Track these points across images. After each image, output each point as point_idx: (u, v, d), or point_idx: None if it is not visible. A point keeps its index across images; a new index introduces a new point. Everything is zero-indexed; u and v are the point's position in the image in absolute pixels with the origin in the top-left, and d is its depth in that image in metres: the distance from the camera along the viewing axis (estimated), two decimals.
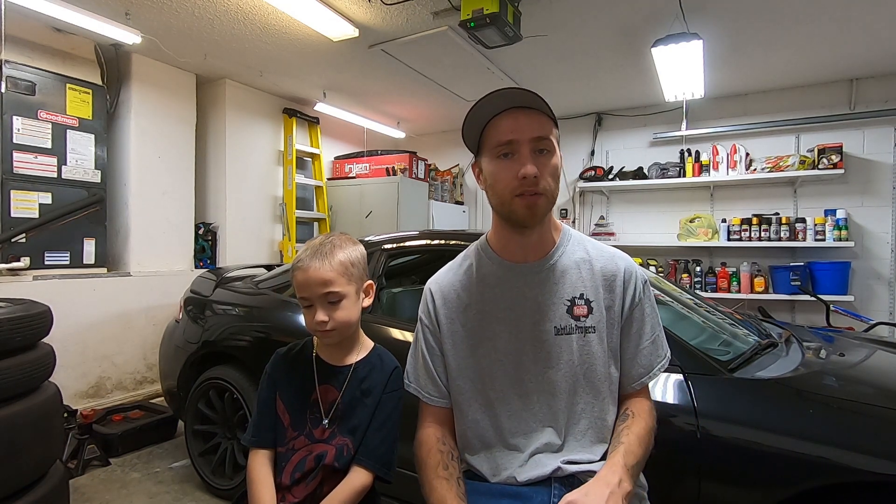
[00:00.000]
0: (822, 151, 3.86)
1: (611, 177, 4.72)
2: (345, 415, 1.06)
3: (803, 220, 3.96)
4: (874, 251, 3.92)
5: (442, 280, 1.12)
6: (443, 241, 2.15)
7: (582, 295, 1.02)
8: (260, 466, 1.05)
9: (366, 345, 1.16)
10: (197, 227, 3.95)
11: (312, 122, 4.76)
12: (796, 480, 1.23)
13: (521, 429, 1.00)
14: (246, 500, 1.05)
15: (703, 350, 1.52)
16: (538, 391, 1.00)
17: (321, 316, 1.02)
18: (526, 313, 1.02)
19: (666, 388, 1.44)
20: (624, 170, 4.68)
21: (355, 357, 1.12)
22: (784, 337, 1.89)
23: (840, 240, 3.82)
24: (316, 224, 4.87)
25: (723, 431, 1.32)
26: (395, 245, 2.22)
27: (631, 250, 4.64)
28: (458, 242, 2.10)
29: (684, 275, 4.37)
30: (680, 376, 1.44)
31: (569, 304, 1.01)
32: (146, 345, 3.47)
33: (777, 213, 4.11)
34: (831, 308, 3.45)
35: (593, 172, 4.76)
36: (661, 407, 1.41)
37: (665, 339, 1.12)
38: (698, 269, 4.32)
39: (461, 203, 5.55)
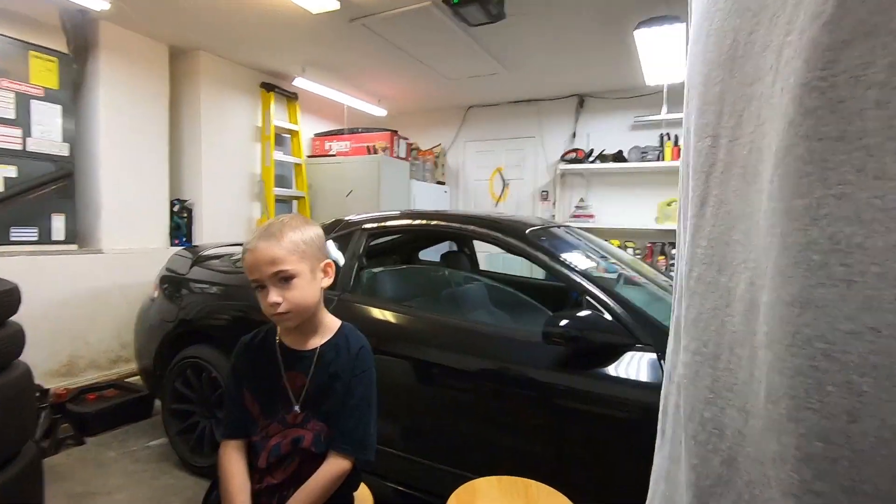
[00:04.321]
0: None
1: (591, 159, 4.75)
2: (316, 400, 1.05)
3: None
4: None
5: None
6: (424, 222, 2.14)
7: None
8: (229, 456, 1.04)
9: (331, 326, 1.12)
10: (172, 204, 3.85)
11: (291, 97, 4.65)
12: None
13: None
14: (218, 488, 1.04)
15: None
16: None
17: (274, 297, 0.98)
18: None
19: (640, 366, 1.48)
20: (604, 153, 4.71)
21: (320, 340, 1.09)
22: None
23: None
24: (295, 202, 4.80)
25: None
26: (376, 225, 2.21)
27: (610, 233, 4.71)
28: (440, 223, 2.10)
29: (660, 257, 4.46)
30: (653, 355, 1.49)
31: None
32: (120, 323, 3.41)
33: None
34: None
35: (574, 155, 4.78)
36: (635, 385, 1.46)
37: None
38: (674, 251, 4.41)
39: (443, 183, 5.52)
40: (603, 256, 2.25)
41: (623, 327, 1.55)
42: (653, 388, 1.42)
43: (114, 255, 3.40)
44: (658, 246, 4.55)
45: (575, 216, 4.85)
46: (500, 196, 5.43)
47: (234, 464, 1.02)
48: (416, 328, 1.88)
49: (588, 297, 1.65)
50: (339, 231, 2.29)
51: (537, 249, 1.82)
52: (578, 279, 1.70)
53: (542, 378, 1.60)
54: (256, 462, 1.03)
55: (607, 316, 1.58)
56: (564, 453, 1.59)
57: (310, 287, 1.03)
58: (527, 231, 1.93)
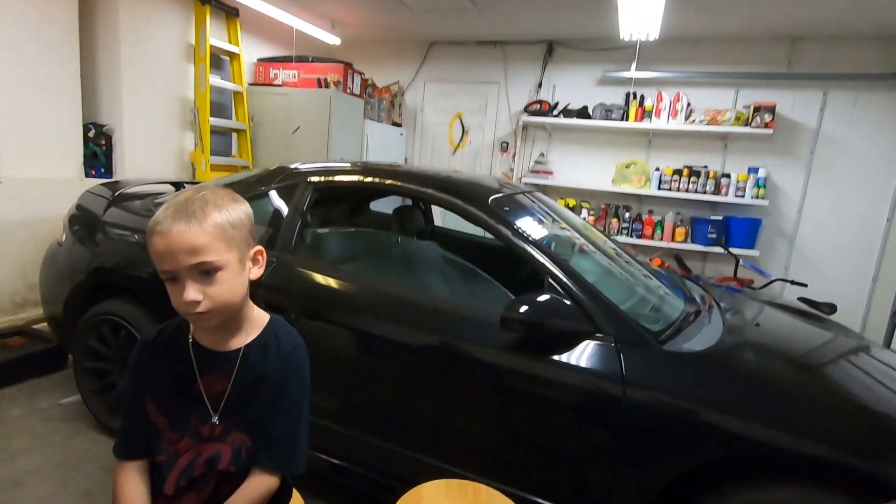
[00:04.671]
0: (757, 109, 3.94)
1: (555, 113, 4.57)
2: (238, 408, 0.89)
3: (728, 176, 4.11)
4: (783, 210, 4.19)
5: None
6: (377, 180, 1.93)
7: None
8: (126, 481, 0.87)
9: (258, 321, 0.94)
10: (86, 129, 3.36)
11: (231, 13, 4.08)
12: (709, 451, 1.28)
13: None
14: None
15: (636, 318, 1.51)
16: None
17: (192, 294, 0.79)
18: None
19: (597, 356, 1.42)
20: (569, 107, 4.54)
21: (245, 338, 0.91)
22: (706, 302, 1.94)
23: (757, 197, 4.03)
24: (234, 135, 4.35)
25: (649, 404, 1.33)
26: (323, 178, 1.98)
27: (567, 191, 4.65)
28: (395, 183, 1.89)
29: (613, 219, 4.47)
30: (612, 344, 1.42)
31: None
32: (26, 262, 3.02)
33: (706, 167, 4.23)
34: (740, 263, 3.70)
35: (538, 106, 4.58)
36: (590, 376, 1.40)
37: None
38: (627, 215, 4.43)
39: (399, 125, 5.19)
40: (564, 228, 2.16)
41: (584, 314, 1.47)
42: (609, 379, 1.37)
43: (15, 185, 2.94)
44: (612, 208, 4.54)
45: (534, 171, 4.72)
46: (459, 143, 5.20)
47: (132, 490, 0.86)
48: (363, 298, 1.73)
49: (550, 279, 1.55)
50: (282, 181, 2.04)
51: (500, 222, 1.69)
52: (542, 258, 1.59)
53: (491, 359, 1.51)
54: (162, 487, 0.87)
55: (568, 301, 1.49)
56: (509, 438, 1.54)
57: (237, 280, 0.84)
58: (490, 199, 1.78)
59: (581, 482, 1.43)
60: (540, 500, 1.46)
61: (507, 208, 1.80)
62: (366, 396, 1.71)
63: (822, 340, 1.79)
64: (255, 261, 0.89)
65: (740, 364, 1.43)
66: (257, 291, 1.82)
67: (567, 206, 4.60)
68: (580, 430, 1.43)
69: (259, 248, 0.90)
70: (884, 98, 3.85)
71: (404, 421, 1.65)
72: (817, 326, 1.99)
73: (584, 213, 4.53)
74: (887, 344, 3.82)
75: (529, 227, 1.81)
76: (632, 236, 4.37)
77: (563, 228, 2.13)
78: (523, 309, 1.41)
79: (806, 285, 3.51)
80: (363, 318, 1.69)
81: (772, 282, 3.69)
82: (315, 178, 1.98)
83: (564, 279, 1.53)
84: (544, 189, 4.77)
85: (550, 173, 4.71)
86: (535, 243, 1.62)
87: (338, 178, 1.98)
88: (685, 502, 1.31)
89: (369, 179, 1.92)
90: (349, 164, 2.09)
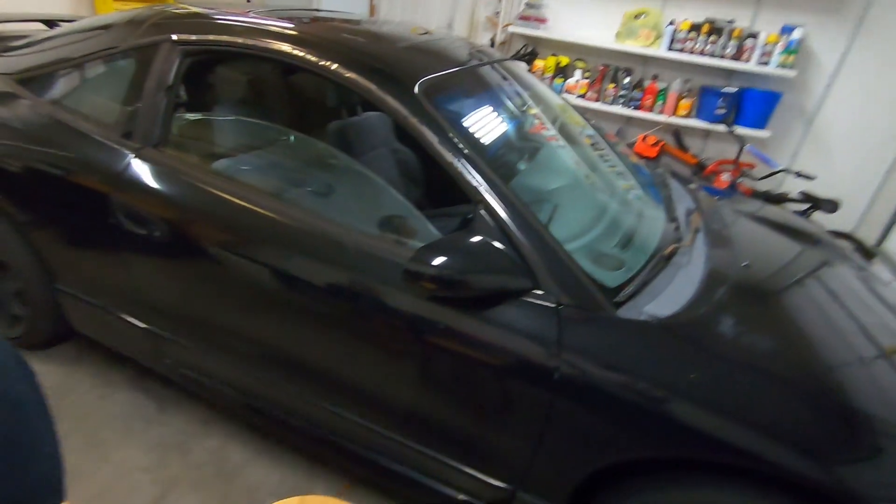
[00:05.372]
0: None
1: None
2: None
3: (755, 36, 3.38)
4: (810, 84, 3.55)
5: None
6: (263, 43, 1.35)
7: None
8: None
9: None
10: None
11: None
12: (651, 446, 1.04)
13: None
14: None
15: (593, 268, 1.14)
16: None
17: None
18: None
19: (530, 318, 1.09)
20: None
21: None
22: (692, 225, 1.56)
23: (783, 66, 3.36)
24: None
25: (587, 382, 1.05)
26: (192, 37, 1.40)
27: (561, 46, 3.88)
28: (290, 52, 1.33)
29: (611, 84, 3.80)
30: (552, 306, 1.08)
31: None
32: None
33: (732, 22, 3.45)
34: (745, 149, 3.22)
35: None
36: (516, 337, 1.09)
37: None
38: (627, 80, 3.75)
39: None
40: (535, 118, 1.66)
41: (524, 265, 1.10)
42: (540, 346, 1.06)
43: None
44: (611, 71, 3.83)
45: (523, 17, 3.87)
46: None
47: None
48: (242, 214, 1.31)
49: (483, 210, 1.14)
50: (144, 35, 1.47)
51: (427, 122, 1.20)
52: (475, 179, 1.15)
53: (394, 304, 1.18)
54: None
55: (503, 246, 1.11)
56: (413, 393, 1.28)
57: None
58: (417, 84, 1.26)
59: (498, 457, 1.22)
60: (452, 462, 1.27)
61: (442, 97, 1.30)
62: (241, 330, 1.42)
63: (816, 286, 1.45)
64: None
65: (712, 342, 1.10)
66: (109, 196, 1.40)
67: (558, 64, 3.90)
68: (496, 398, 1.17)
69: None
70: None
71: (289, 356, 1.38)
72: (814, 257, 1.65)
73: (578, 74, 3.83)
74: (879, 242, 3.57)
75: (475, 125, 1.34)
76: (629, 106, 3.77)
77: (532, 119, 1.64)
78: (438, 261, 1.03)
79: (814, 178, 3.10)
80: (241, 240, 1.31)
81: (776, 172, 3.27)
82: (185, 37, 1.41)
83: (503, 213, 1.13)
84: (535, 41, 3.99)
85: (544, 21, 3.88)
86: (469, 157, 1.17)
87: (212, 37, 1.40)
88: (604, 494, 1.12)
89: (253, 43, 1.35)
90: (242, 17, 1.48)
